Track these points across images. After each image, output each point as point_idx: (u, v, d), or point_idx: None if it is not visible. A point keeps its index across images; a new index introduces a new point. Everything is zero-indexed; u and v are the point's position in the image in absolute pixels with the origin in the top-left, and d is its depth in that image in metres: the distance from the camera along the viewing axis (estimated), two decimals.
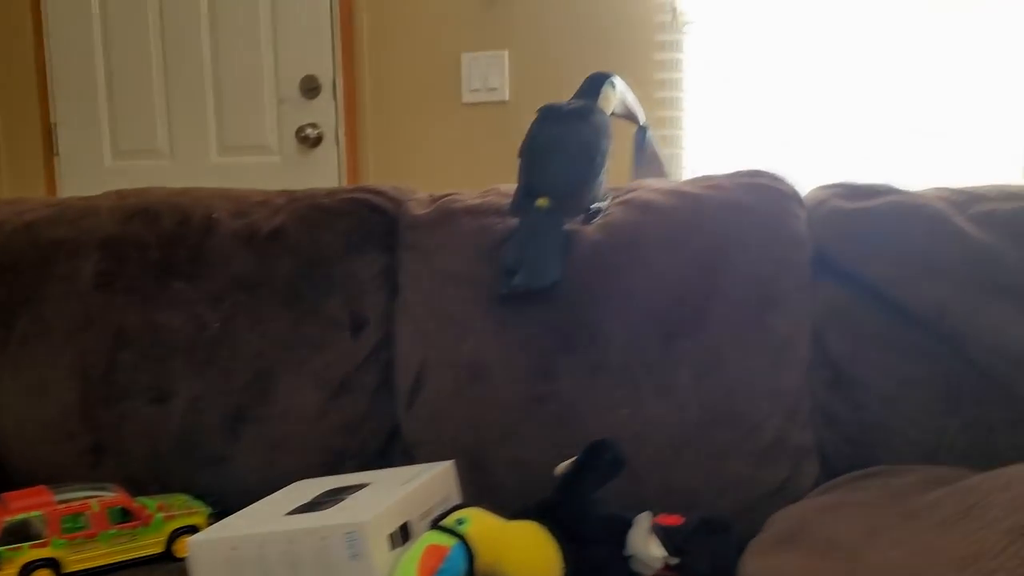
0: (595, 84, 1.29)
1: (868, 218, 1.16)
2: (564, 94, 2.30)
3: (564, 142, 1.21)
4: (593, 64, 2.30)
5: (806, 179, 1.29)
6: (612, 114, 1.31)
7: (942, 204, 1.15)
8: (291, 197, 1.38)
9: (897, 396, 1.10)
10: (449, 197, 1.32)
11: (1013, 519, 0.81)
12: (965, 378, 1.08)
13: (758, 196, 1.20)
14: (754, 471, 1.11)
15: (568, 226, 1.21)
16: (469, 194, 1.33)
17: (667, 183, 1.27)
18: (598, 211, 1.24)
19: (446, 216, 1.27)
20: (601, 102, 1.28)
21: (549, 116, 1.25)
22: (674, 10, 2.20)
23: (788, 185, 1.23)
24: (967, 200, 1.16)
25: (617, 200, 1.25)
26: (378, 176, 2.51)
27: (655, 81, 2.25)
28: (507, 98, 2.38)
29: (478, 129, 2.41)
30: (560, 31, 2.34)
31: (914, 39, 2.10)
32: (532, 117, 2.33)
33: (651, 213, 1.20)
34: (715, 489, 1.11)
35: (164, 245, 1.32)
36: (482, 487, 1.16)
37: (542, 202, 1.17)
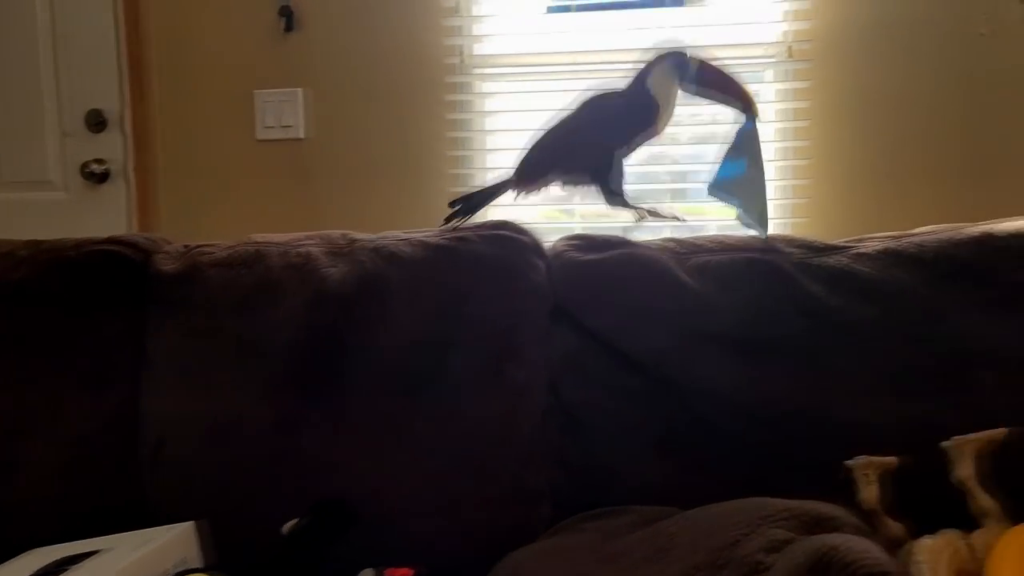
0: (647, 70, 1.30)
1: (598, 270, 1.23)
2: (361, 131, 2.35)
3: (553, 128, 1.32)
4: (387, 103, 2.32)
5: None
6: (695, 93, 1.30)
7: (665, 256, 1.23)
8: (36, 248, 1.33)
9: (621, 439, 1.17)
10: (199, 249, 1.30)
11: (687, 561, 0.88)
12: (680, 421, 1.16)
13: (499, 248, 1.25)
14: (491, 517, 1.15)
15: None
16: (221, 245, 1.31)
17: (416, 233, 1.30)
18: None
19: (193, 269, 1.26)
20: (652, 84, 1.29)
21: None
22: (462, 53, 2.26)
23: (530, 237, 1.28)
24: (688, 251, 1.25)
25: (368, 247, 1.27)
26: (170, 213, 2.44)
27: (446, 121, 2.30)
28: (303, 135, 2.37)
29: (274, 166, 2.38)
30: (355, 70, 2.35)
31: None
32: (329, 154, 2.36)
33: (396, 264, 1.23)
34: (453, 537, 1.14)
35: None
36: (228, 547, 1.14)
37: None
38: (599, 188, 1.32)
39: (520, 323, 1.21)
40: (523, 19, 2.28)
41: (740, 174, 1.27)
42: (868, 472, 1.00)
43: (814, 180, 2.16)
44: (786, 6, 2.13)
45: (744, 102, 1.27)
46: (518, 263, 1.24)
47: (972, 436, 0.97)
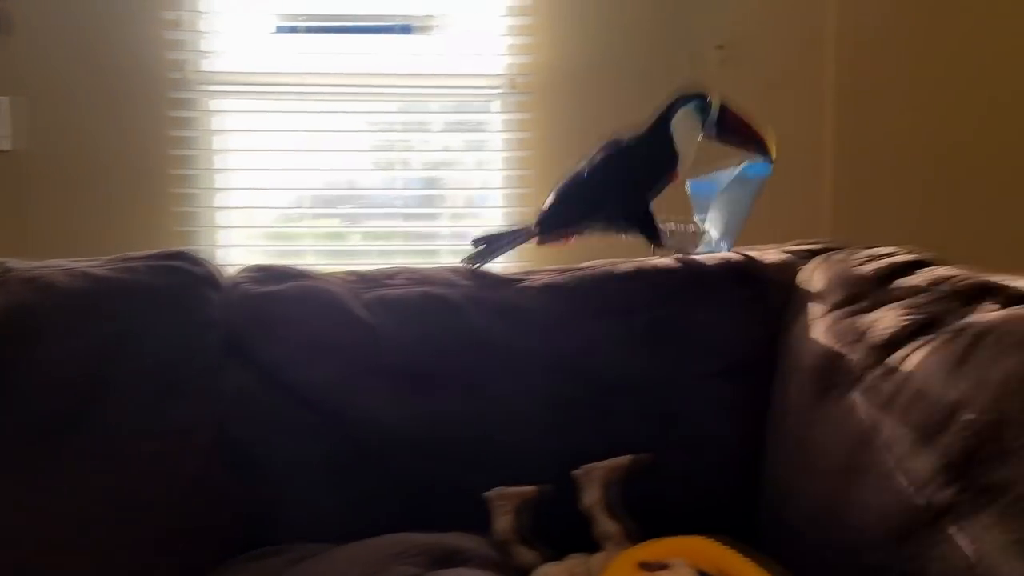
0: (670, 110, 1.28)
1: (273, 302, 1.21)
2: (79, 145, 2.21)
3: (574, 178, 1.34)
4: (108, 116, 2.20)
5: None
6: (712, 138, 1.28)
7: (342, 289, 1.23)
8: None
9: (289, 475, 1.15)
10: None
11: None
12: (347, 455, 1.16)
13: (168, 279, 1.20)
14: (150, 560, 1.09)
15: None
16: None
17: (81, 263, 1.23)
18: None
19: None
20: (675, 127, 1.27)
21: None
22: (184, 69, 2.18)
23: (204, 267, 1.24)
24: (367, 284, 1.26)
25: (22, 277, 1.18)
26: None
27: (171, 138, 2.20)
28: (10, 147, 2.19)
29: None
30: (72, 79, 2.20)
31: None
32: (42, 168, 2.20)
33: (53, 296, 1.16)
34: None
35: None
36: None
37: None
38: (643, 238, 1.32)
39: (187, 359, 1.17)
40: (250, 37, 2.23)
41: (738, 208, 1.32)
42: (504, 502, 1.04)
43: (536, 208, 2.24)
44: (509, 40, 2.21)
45: (764, 149, 1.27)
46: (187, 295, 1.20)
47: (599, 464, 1.04)
